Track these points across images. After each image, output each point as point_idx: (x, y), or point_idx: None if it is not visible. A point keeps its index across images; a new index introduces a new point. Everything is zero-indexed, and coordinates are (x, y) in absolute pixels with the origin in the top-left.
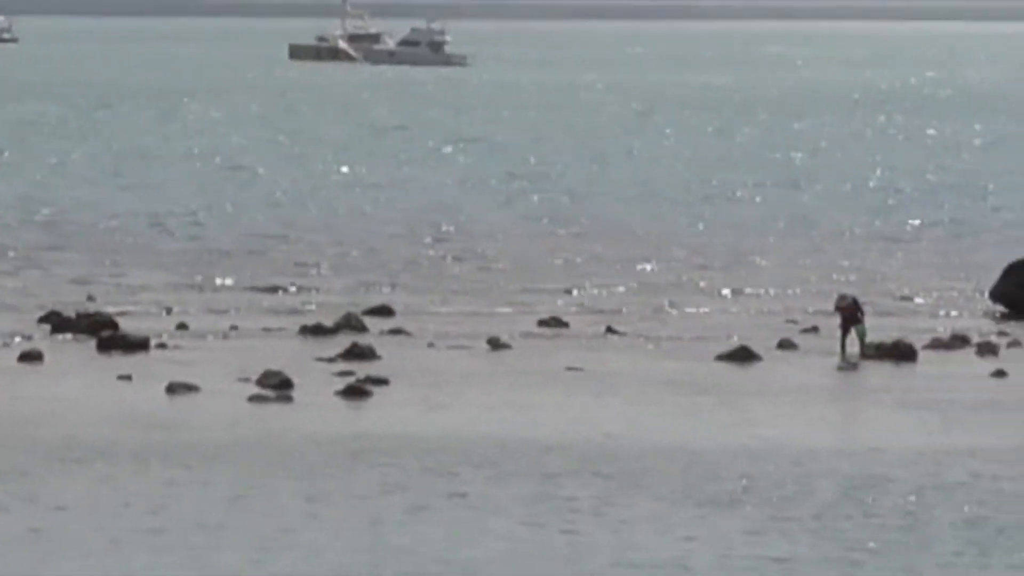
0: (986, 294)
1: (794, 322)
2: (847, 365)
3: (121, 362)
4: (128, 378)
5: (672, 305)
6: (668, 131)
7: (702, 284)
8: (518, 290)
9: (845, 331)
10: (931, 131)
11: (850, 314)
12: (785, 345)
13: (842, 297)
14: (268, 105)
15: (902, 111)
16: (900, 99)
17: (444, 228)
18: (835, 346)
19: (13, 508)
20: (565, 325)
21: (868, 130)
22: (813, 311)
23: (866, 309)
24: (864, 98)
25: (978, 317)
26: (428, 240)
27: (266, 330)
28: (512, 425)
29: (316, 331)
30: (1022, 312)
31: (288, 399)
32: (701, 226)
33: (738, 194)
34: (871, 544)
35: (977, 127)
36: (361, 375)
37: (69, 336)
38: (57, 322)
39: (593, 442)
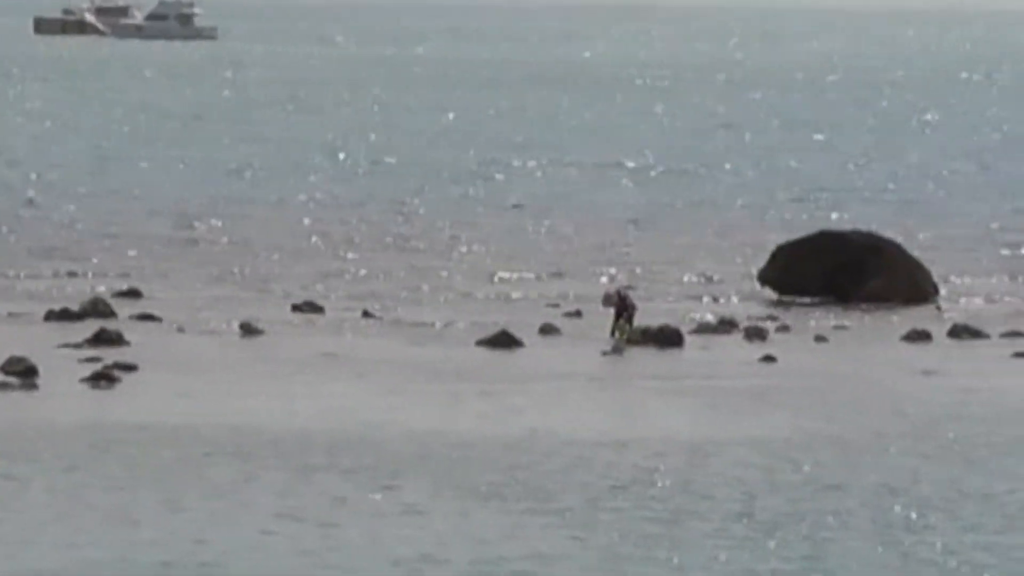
0: (755, 277)
1: (556, 306)
2: (612, 351)
3: None
4: None
5: (431, 289)
6: (446, 107)
7: (463, 266)
8: (271, 274)
9: (618, 317)
10: (700, 108)
11: (619, 309)
12: (547, 330)
13: (607, 297)
14: (11, 81)
15: (676, 88)
16: (681, 75)
17: (194, 209)
18: (599, 331)
19: None
20: (320, 310)
21: (637, 108)
22: (576, 295)
23: (632, 293)
24: (645, 76)
25: (747, 301)
26: (178, 221)
27: (11, 315)
28: (266, 414)
29: (62, 316)
30: (791, 296)
31: (33, 386)
32: (464, 206)
33: (505, 173)
34: (637, 537)
35: (746, 105)
36: (109, 361)
37: None
38: None
39: (350, 431)
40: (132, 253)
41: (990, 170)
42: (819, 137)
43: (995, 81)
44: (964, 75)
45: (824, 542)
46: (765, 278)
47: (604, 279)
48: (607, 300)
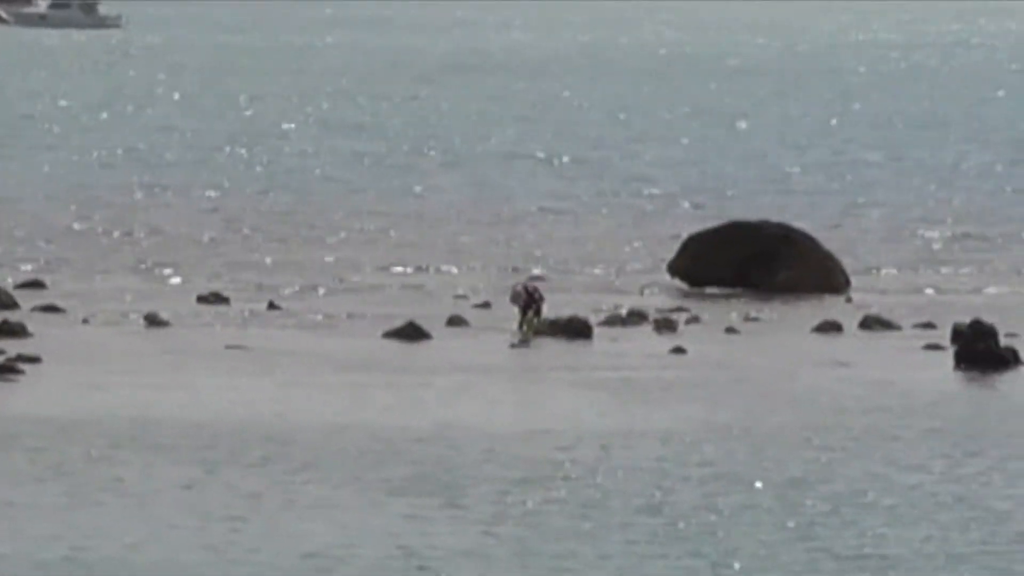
0: (665, 268)
1: (464, 297)
2: (520, 343)
3: None
4: None
5: (338, 280)
6: (356, 96)
7: (370, 257)
8: (176, 265)
9: (525, 312)
10: (612, 97)
11: (527, 304)
12: (456, 322)
13: (516, 294)
14: None
15: (588, 76)
16: (570, 62)
17: (98, 199)
18: (507, 323)
19: None
20: (225, 301)
21: (547, 97)
22: (485, 286)
23: (541, 284)
24: (556, 64)
25: (657, 292)
26: (81, 212)
27: None
28: (171, 406)
29: None
30: (701, 287)
31: None
32: (373, 197)
33: (414, 163)
34: (547, 531)
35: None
36: (12, 353)
37: None
38: None
39: (256, 424)
40: (35, 244)
41: (902, 160)
42: (733, 126)
43: (913, 67)
44: (881, 64)
45: (737, 535)
46: (675, 269)
47: (512, 272)
48: (515, 298)
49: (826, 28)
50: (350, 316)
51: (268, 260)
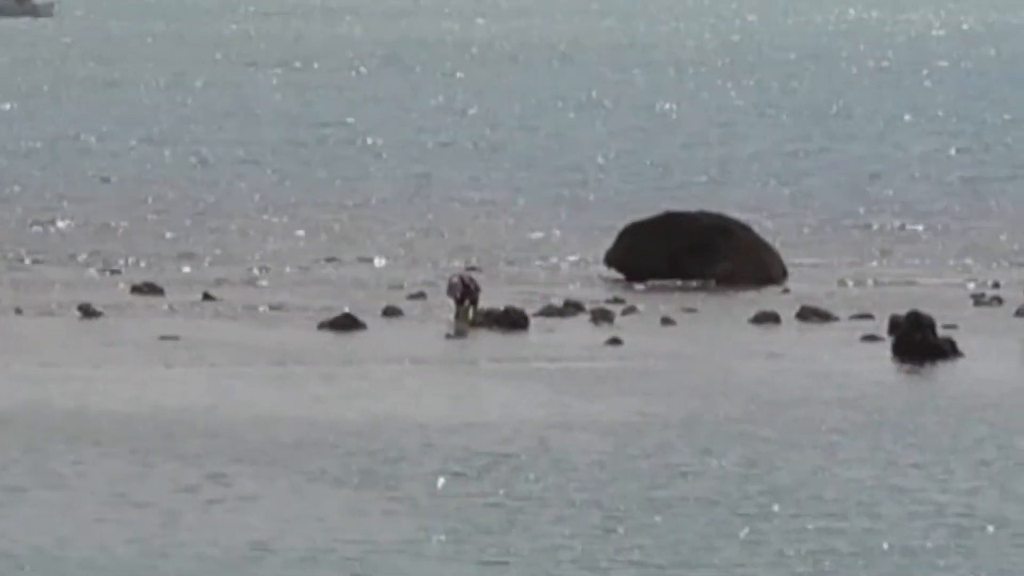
0: (601, 259)
1: (400, 288)
2: (456, 334)
3: None
4: None
5: (272, 271)
6: (293, 86)
7: (305, 248)
8: (110, 255)
9: (460, 303)
10: (550, 87)
11: (463, 295)
12: (391, 312)
13: (452, 286)
14: None
15: (526, 65)
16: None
17: (29, 189)
18: (443, 313)
19: None
20: (160, 292)
21: (483, 87)
22: (421, 277)
23: (477, 275)
24: (489, 52)
25: (593, 283)
26: (13, 202)
27: None
28: (106, 398)
29: None
30: (637, 278)
31: None
32: (308, 187)
33: (349, 153)
34: (483, 524)
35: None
36: None
37: None
38: None
39: (190, 416)
40: None
41: (839, 150)
42: (669, 117)
43: (850, 57)
44: (818, 53)
45: (675, 528)
46: (612, 260)
47: (448, 262)
48: (451, 289)
49: (753, 19)
50: (285, 307)
51: (203, 250)
